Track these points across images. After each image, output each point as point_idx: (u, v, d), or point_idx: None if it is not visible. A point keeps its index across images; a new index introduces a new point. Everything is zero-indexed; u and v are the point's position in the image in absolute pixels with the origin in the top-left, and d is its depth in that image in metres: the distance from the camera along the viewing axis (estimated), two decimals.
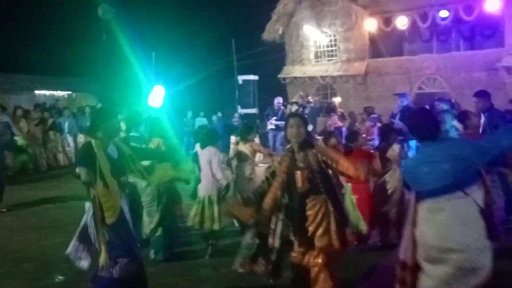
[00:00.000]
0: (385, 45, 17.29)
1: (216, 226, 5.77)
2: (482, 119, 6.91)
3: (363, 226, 6.37)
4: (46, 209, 8.73)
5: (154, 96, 13.14)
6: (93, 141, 3.96)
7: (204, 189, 5.92)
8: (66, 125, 14.28)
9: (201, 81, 20.68)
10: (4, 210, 8.55)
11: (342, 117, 12.75)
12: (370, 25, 16.85)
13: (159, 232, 5.79)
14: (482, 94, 7.16)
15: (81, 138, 13.40)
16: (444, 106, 9.00)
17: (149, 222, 5.82)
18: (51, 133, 13.64)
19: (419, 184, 3.39)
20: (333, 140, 6.80)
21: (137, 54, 15.84)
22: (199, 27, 22.36)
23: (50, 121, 13.76)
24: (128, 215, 4.12)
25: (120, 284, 4.01)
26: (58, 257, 5.95)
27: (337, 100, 14.23)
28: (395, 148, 6.15)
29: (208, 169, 5.88)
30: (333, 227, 3.91)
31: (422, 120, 3.52)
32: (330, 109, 13.14)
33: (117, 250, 4.02)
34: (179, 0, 22.46)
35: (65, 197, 9.14)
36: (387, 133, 6.40)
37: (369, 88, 17.54)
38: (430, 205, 3.34)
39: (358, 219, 6.43)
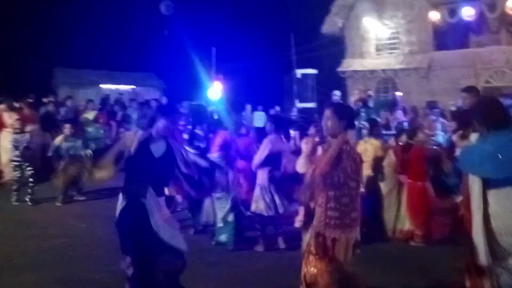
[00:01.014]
0: (449, 37, 16.65)
1: (281, 210, 5.89)
2: None
3: (407, 225, 6.26)
4: (110, 198, 9.09)
5: (214, 90, 13.35)
6: (137, 132, 4.16)
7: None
8: (135, 116, 14.69)
9: (260, 75, 20.80)
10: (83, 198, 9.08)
11: (404, 111, 12.44)
12: (434, 16, 16.28)
13: (230, 218, 5.97)
14: (470, 90, 6.84)
15: None
16: (509, 101, 8.61)
17: (220, 209, 5.99)
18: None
19: (493, 172, 3.27)
20: (420, 136, 6.61)
21: (198, 49, 16.13)
22: (258, 21, 22.47)
23: (120, 113, 14.30)
24: (156, 214, 3.96)
25: (138, 280, 3.94)
26: None
27: (399, 94, 13.89)
28: (473, 138, 5.91)
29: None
30: (312, 229, 3.69)
31: (495, 108, 3.42)
32: (392, 104, 12.86)
33: (126, 245, 4.01)
34: None
35: None
36: (467, 120, 6.15)
37: (433, 82, 16.98)
38: (506, 193, 3.24)
39: (404, 217, 6.33)
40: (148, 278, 3.96)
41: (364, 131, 6.86)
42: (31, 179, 8.85)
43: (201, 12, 21.51)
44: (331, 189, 3.57)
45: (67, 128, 9.12)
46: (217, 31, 20.56)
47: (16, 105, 11.62)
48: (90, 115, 12.94)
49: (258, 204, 6.00)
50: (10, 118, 10.53)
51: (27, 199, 8.76)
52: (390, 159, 6.58)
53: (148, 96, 19.35)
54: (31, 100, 13.20)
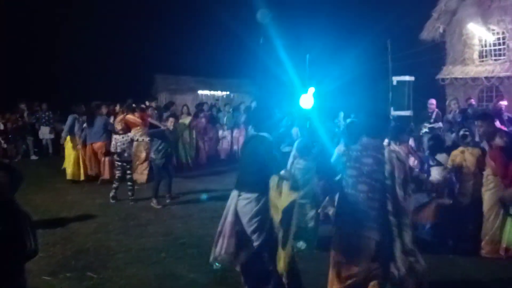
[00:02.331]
0: None
1: None
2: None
3: None
4: (206, 200, 9.41)
5: (307, 97, 13.34)
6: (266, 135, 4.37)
7: None
8: (224, 120, 15.42)
9: (353, 82, 20.49)
10: (172, 198, 9.41)
11: (509, 121, 11.65)
12: None
13: (311, 224, 6.00)
14: (485, 118, 6.41)
15: (238, 133, 14.89)
16: None
17: (306, 215, 6.01)
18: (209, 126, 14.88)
19: None
20: (498, 141, 6.22)
21: (292, 56, 16.22)
22: (353, 27, 22.18)
23: (207, 114, 15.03)
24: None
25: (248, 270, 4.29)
26: None
27: (503, 103, 13.01)
28: None
29: None
30: None
31: None
32: (495, 113, 12.07)
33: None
34: (333, 1, 22.53)
35: (225, 190, 9.72)
36: None
37: None
38: None
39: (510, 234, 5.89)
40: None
41: (469, 139, 6.56)
42: (129, 182, 9.35)
43: (296, 19, 21.66)
44: None
45: (170, 122, 9.28)
46: (312, 38, 20.55)
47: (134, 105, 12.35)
48: (186, 120, 13.54)
49: None
50: (134, 118, 11.24)
51: (129, 199, 9.28)
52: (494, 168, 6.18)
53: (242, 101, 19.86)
54: (153, 105, 14.21)
